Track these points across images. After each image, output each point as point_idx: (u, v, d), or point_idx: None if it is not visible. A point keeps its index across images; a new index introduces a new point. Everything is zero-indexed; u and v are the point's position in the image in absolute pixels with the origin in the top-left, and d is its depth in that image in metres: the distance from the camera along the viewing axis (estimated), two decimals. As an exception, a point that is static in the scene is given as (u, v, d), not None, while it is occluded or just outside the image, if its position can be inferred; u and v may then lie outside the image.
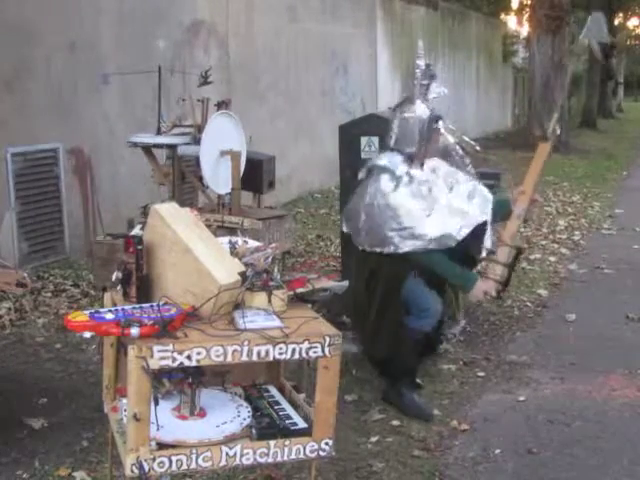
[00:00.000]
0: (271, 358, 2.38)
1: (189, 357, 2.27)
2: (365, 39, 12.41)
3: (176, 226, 2.56)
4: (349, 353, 4.24)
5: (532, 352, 4.73)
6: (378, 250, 3.81)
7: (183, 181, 5.67)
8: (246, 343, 2.32)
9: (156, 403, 2.34)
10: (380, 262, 3.84)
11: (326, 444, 2.47)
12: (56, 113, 6.46)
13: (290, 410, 2.65)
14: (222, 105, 5.52)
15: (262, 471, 3.06)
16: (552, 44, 16.59)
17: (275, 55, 9.74)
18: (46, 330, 4.94)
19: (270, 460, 2.45)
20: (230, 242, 2.76)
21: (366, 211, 3.86)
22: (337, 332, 2.44)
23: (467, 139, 4.26)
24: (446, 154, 4.03)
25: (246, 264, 2.58)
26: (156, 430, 2.35)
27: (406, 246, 3.74)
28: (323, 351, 2.39)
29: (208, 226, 3.40)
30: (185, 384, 2.46)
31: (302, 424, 2.55)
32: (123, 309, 2.37)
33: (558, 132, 5.86)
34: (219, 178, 5.29)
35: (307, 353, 2.39)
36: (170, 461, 2.33)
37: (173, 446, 2.36)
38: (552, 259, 7.03)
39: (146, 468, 2.30)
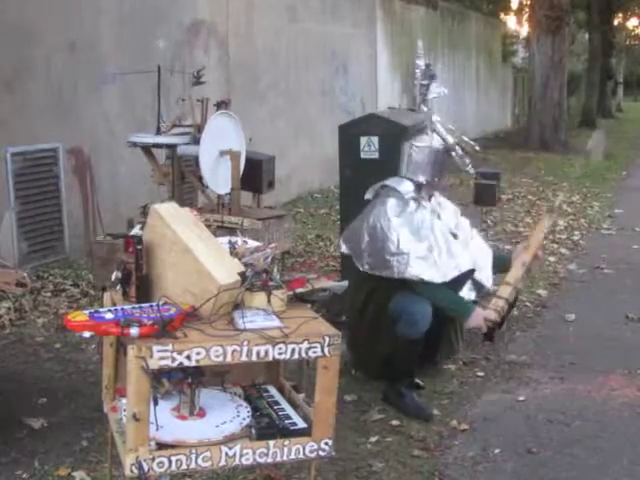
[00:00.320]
0: (270, 358, 2.38)
1: (188, 357, 2.27)
2: (365, 39, 12.41)
3: (176, 226, 2.56)
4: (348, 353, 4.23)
5: (532, 352, 4.73)
6: (377, 273, 3.80)
7: (183, 181, 5.67)
8: (245, 343, 2.32)
9: (155, 403, 2.34)
10: (378, 284, 3.85)
11: (325, 444, 2.47)
12: (56, 113, 6.46)
13: (289, 410, 2.65)
14: (222, 105, 5.52)
15: (261, 471, 3.06)
16: (552, 44, 16.60)
17: (275, 55, 9.74)
18: (46, 330, 4.94)
19: (269, 460, 2.45)
20: (230, 242, 2.76)
21: (369, 232, 3.85)
22: (336, 332, 2.44)
23: (466, 139, 4.27)
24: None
25: (246, 264, 2.59)
26: (155, 430, 2.35)
27: (405, 272, 3.73)
28: (322, 351, 2.39)
29: (208, 226, 3.40)
30: (184, 384, 2.46)
31: (301, 424, 2.55)
32: (123, 309, 2.38)
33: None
34: (219, 178, 5.29)
35: (306, 353, 2.39)
36: (169, 461, 2.33)
37: (172, 446, 2.36)
38: (552, 259, 7.03)
39: (145, 468, 2.30)
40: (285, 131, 9.90)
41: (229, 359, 2.32)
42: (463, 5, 19.36)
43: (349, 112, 10.88)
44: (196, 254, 2.48)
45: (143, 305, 2.41)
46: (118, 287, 2.67)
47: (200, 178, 5.42)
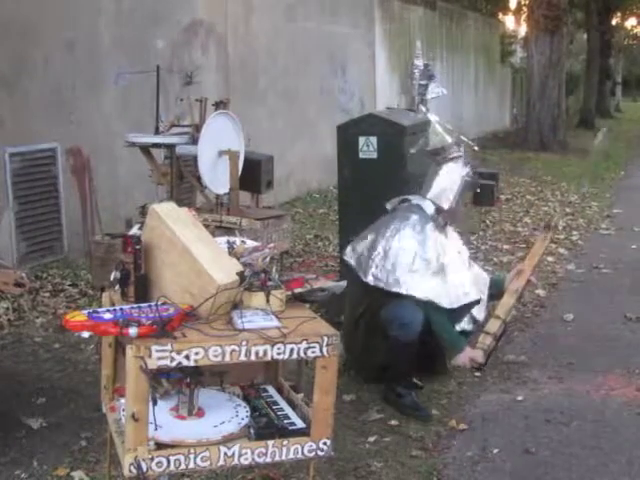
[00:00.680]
0: (269, 358, 2.39)
1: (187, 357, 2.27)
2: (364, 39, 12.41)
3: (175, 226, 2.56)
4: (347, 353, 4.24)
5: (530, 352, 4.73)
6: (383, 287, 3.80)
7: (181, 181, 5.67)
8: (244, 343, 2.32)
9: (154, 403, 2.34)
10: (373, 299, 3.85)
11: (324, 444, 2.47)
12: (54, 113, 6.46)
13: (288, 410, 2.65)
14: (220, 105, 5.52)
15: (260, 471, 3.06)
16: (550, 44, 16.61)
17: (274, 55, 9.74)
18: (44, 330, 4.94)
19: (268, 460, 2.45)
20: (228, 242, 2.76)
21: (383, 246, 3.85)
22: (335, 332, 2.44)
23: (465, 139, 4.27)
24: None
25: (244, 264, 2.59)
26: (154, 430, 2.35)
27: (416, 291, 3.74)
28: (321, 351, 2.39)
29: (206, 226, 3.40)
30: (183, 384, 2.46)
31: (300, 424, 2.55)
32: (121, 309, 2.38)
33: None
34: (217, 178, 5.30)
35: (305, 353, 2.39)
36: (168, 461, 2.33)
37: (171, 446, 2.36)
38: (550, 259, 7.03)
39: (144, 468, 2.30)
40: (284, 131, 9.90)
41: (228, 359, 2.32)
42: (461, 5, 19.35)
43: (348, 112, 10.88)
44: (195, 254, 2.48)
45: (142, 305, 2.41)
46: (117, 287, 2.67)
47: (199, 178, 5.43)
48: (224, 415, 2.52)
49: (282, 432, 2.48)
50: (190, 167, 5.65)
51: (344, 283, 2.90)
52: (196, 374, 2.43)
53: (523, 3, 23.81)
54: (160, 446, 2.35)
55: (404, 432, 3.64)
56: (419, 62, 4.11)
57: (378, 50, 12.94)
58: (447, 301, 3.79)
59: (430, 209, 3.97)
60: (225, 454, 2.38)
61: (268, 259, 2.63)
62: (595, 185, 11.81)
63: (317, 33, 10.77)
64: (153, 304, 2.38)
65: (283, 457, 2.46)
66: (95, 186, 6.92)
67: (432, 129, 5.44)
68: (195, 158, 5.26)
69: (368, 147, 4.98)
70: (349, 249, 4.03)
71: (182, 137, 5.42)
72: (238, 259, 2.63)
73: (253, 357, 2.34)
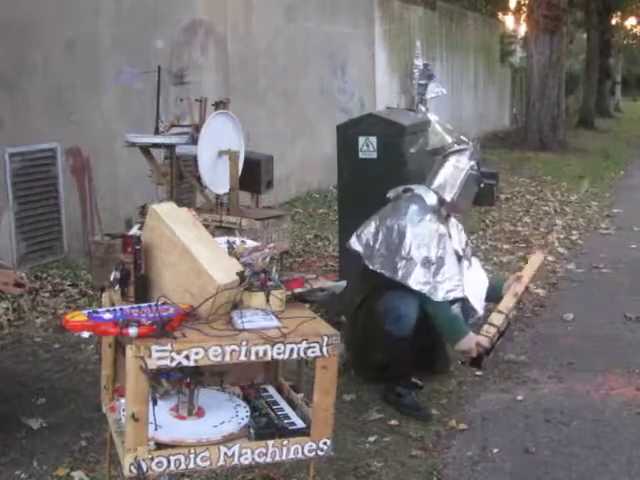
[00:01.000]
0: (269, 358, 2.39)
1: (187, 357, 2.27)
2: (363, 39, 12.41)
3: (174, 226, 2.56)
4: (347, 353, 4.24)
5: (530, 351, 4.73)
6: (385, 273, 3.80)
7: (181, 181, 5.67)
8: (244, 343, 2.32)
9: (154, 403, 2.34)
10: (374, 288, 3.87)
11: (324, 444, 2.47)
12: (54, 113, 6.46)
13: (288, 410, 2.65)
14: (220, 105, 5.52)
15: (260, 471, 3.06)
16: (550, 44, 16.61)
17: (274, 55, 9.74)
18: (44, 330, 4.94)
19: (268, 460, 2.45)
20: (228, 242, 2.76)
21: (384, 232, 3.86)
22: (335, 332, 2.44)
23: (465, 139, 4.27)
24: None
25: (244, 264, 2.59)
26: (154, 430, 2.35)
27: (408, 279, 3.74)
28: (321, 351, 2.39)
29: (206, 226, 3.40)
30: (183, 384, 2.46)
31: (300, 424, 2.55)
32: (121, 309, 2.38)
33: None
34: (217, 178, 5.30)
35: (305, 353, 2.39)
36: (168, 461, 2.33)
37: (171, 446, 2.36)
38: (550, 258, 7.03)
39: (144, 468, 2.30)
40: (284, 131, 9.90)
41: (228, 359, 2.32)
42: (461, 5, 19.35)
43: (347, 112, 10.88)
44: (195, 254, 2.48)
45: (142, 305, 2.41)
46: (117, 287, 2.67)
47: (199, 178, 5.43)
48: (224, 415, 2.52)
49: (282, 432, 2.48)
50: (190, 167, 5.65)
51: (344, 283, 2.90)
52: (196, 374, 2.43)
53: (523, 3, 23.79)
54: (160, 446, 2.35)
55: (404, 432, 3.64)
56: (419, 62, 4.12)
57: (378, 50, 12.94)
58: (438, 293, 3.77)
59: (432, 200, 3.96)
60: (225, 454, 2.38)
61: (268, 259, 2.63)
62: (595, 185, 11.81)
63: (317, 33, 10.77)
64: (153, 304, 2.38)
65: (283, 457, 2.46)
66: (95, 186, 6.92)
67: (432, 129, 5.45)
68: (195, 158, 5.26)
69: (368, 147, 4.98)
70: (354, 237, 4.05)
71: (182, 137, 5.41)
72: (238, 259, 2.63)
73: (253, 357, 2.34)
